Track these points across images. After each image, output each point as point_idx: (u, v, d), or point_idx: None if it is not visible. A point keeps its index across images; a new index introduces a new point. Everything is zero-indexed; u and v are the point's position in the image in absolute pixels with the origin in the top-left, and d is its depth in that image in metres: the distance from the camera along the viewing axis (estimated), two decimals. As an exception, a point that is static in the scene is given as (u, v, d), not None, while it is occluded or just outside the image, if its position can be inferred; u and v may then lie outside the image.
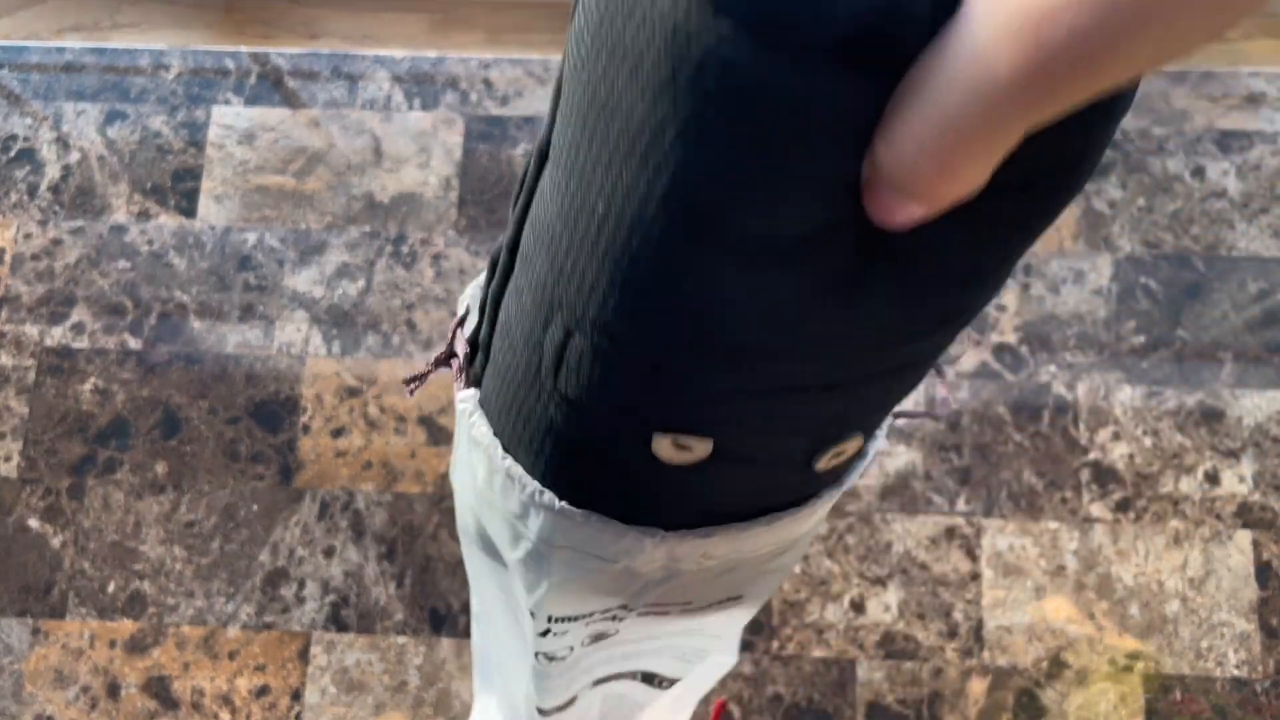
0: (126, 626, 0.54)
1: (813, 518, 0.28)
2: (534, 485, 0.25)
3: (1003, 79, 0.13)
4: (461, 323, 0.28)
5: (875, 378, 0.22)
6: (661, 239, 0.19)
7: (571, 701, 0.37)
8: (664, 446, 0.23)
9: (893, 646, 0.52)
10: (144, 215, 0.60)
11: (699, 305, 0.19)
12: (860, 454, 0.26)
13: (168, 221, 0.60)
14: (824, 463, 0.24)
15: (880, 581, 0.52)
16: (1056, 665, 0.51)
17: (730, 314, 0.19)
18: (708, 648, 0.35)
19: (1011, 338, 0.56)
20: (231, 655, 0.53)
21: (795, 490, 0.25)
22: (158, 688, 0.53)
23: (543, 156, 0.23)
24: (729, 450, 0.23)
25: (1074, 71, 0.13)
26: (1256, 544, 0.53)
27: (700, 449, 0.23)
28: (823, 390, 0.21)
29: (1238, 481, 0.54)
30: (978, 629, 0.52)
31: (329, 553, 0.54)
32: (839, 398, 0.22)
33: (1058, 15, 0.12)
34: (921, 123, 0.14)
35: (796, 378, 0.21)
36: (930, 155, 0.15)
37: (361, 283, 0.58)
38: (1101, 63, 0.13)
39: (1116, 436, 0.54)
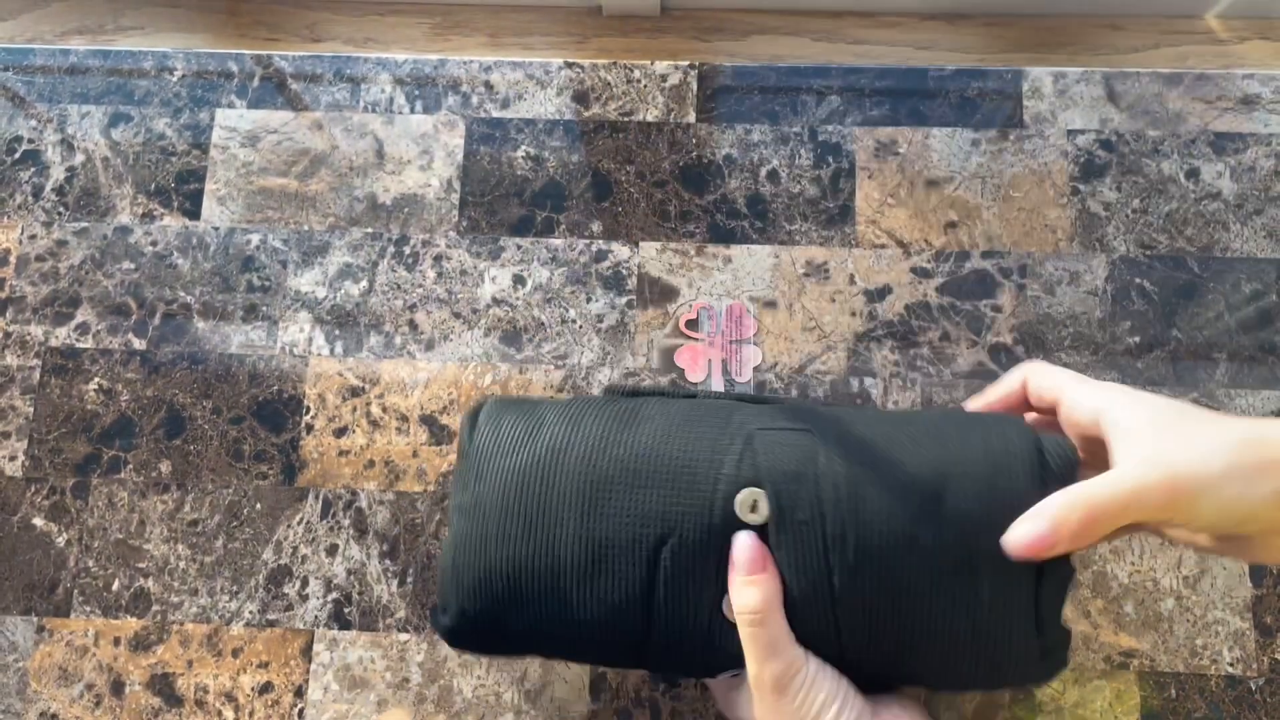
0: (130, 624, 0.54)
1: None
2: None
3: (1119, 500, 0.32)
4: None
5: None
6: None
7: None
8: None
9: (890, 644, 0.52)
10: (148, 216, 0.60)
11: None
12: None
13: (172, 223, 0.60)
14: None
15: (878, 579, 0.52)
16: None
17: None
18: None
19: (1007, 338, 0.56)
20: (235, 653, 0.54)
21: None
22: (161, 685, 0.53)
23: None
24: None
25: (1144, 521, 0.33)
26: (1250, 542, 0.53)
27: None
28: None
29: (1232, 480, 0.54)
30: (974, 626, 0.52)
31: (332, 551, 0.55)
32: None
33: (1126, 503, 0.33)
34: (1080, 506, 0.33)
35: None
36: (1076, 520, 0.33)
37: (364, 283, 0.59)
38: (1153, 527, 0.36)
39: (1112, 436, 0.55)
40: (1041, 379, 0.40)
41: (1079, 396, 0.37)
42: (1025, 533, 0.33)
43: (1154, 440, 0.32)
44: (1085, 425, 0.37)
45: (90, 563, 0.55)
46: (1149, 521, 0.33)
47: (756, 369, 0.56)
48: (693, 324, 0.57)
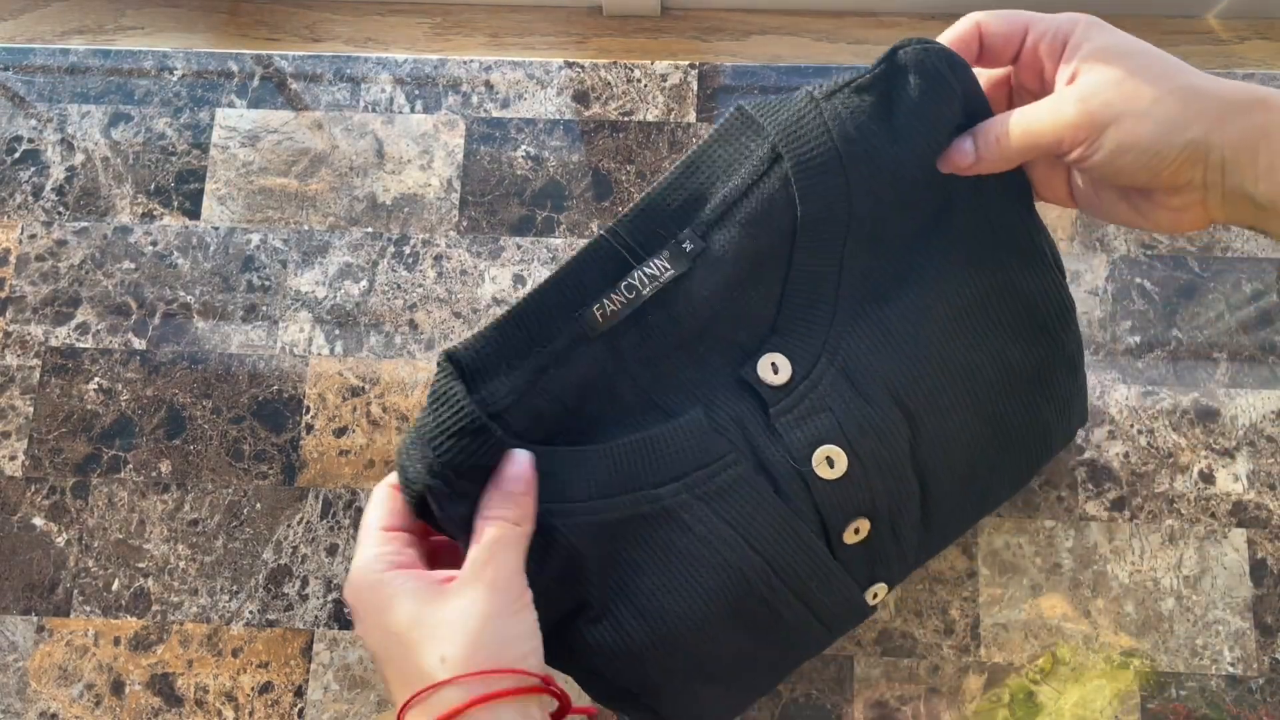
0: (130, 624, 0.54)
1: None
2: None
3: (1048, 129, 0.34)
4: None
5: None
6: None
7: None
8: None
9: (890, 643, 0.52)
10: (148, 216, 0.60)
11: None
12: None
13: (172, 222, 0.60)
14: None
15: (878, 579, 0.52)
16: (1052, 662, 0.52)
17: None
18: None
19: (1008, 338, 0.56)
20: (235, 653, 0.54)
21: None
22: (161, 685, 0.53)
23: None
24: None
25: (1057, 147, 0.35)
26: (1251, 542, 0.53)
27: None
28: None
29: (1232, 480, 0.54)
30: (974, 626, 0.52)
31: (332, 551, 0.55)
32: None
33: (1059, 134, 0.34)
34: (1010, 128, 0.35)
35: None
36: (1002, 143, 0.35)
37: (364, 283, 0.59)
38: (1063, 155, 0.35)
39: (1112, 435, 0.55)
40: (1000, 22, 0.37)
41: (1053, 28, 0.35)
42: (955, 148, 0.36)
43: (1101, 76, 0.32)
44: (1051, 53, 0.35)
45: (90, 563, 0.55)
46: (1065, 155, 0.34)
47: None
48: None
